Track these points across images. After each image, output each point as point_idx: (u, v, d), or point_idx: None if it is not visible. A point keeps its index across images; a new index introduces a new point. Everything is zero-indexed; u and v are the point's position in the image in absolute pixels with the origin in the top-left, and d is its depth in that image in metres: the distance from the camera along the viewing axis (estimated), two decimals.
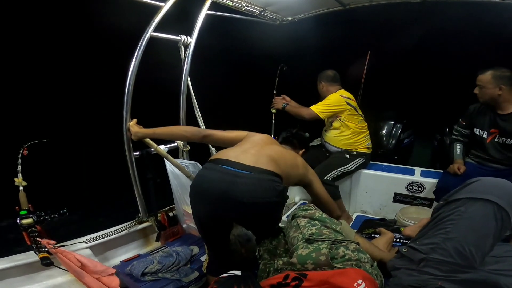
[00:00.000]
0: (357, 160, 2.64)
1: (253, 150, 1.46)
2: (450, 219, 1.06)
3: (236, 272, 0.86)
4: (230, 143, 1.63)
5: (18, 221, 1.35)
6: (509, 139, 2.00)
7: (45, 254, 1.32)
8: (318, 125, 2.86)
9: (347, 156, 2.64)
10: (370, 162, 2.91)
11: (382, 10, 2.58)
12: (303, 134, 1.94)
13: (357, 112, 2.62)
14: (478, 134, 2.15)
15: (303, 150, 1.87)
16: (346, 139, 2.65)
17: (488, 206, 1.01)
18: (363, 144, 2.69)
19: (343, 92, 2.61)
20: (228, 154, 1.44)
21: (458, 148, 2.29)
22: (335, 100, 2.53)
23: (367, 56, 3.07)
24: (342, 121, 2.61)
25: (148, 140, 1.77)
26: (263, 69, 2.88)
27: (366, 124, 2.73)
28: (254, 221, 1.39)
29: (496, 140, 2.06)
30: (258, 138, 1.59)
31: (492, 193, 1.02)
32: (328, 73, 2.66)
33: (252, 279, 0.84)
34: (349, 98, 2.58)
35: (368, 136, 2.76)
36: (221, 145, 1.80)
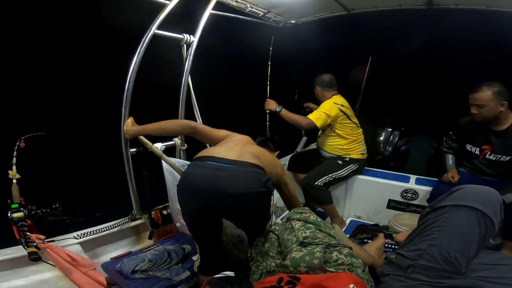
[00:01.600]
0: (349, 166, 2.63)
1: (236, 147, 1.53)
2: (436, 225, 1.08)
3: (230, 273, 0.86)
4: (215, 141, 1.70)
5: (8, 214, 1.33)
6: (504, 156, 1.93)
7: (34, 249, 1.30)
8: (315, 130, 2.85)
9: (340, 162, 2.63)
10: (366, 168, 2.92)
11: (386, 16, 2.57)
12: (277, 137, 2.04)
13: (350, 120, 2.61)
14: (470, 150, 2.11)
15: (278, 152, 1.94)
16: (338, 146, 2.65)
17: (471, 213, 1.03)
18: (356, 151, 2.69)
19: (337, 98, 2.58)
20: (213, 151, 1.50)
21: (450, 158, 2.28)
22: (329, 108, 2.49)
23: (368, 61, 3.08)
24: (334, 129, 2.61)
25: (143, 138, 1.77)
26: (263, 71, 2.88)
27: (361, 130, 2.73)
28: (242, 215, 1.39)
29: (488, 156, 2.00)
30: (239, 137, 1.67)
31: (476, 200, 1.04)
32: (323, 77, 2.65)
33: (246, 280, 0.83)
34: (343, 105, 2.56)
35: (363, 142, 2.75)
36: (207, 142, 1.86)
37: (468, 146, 2.13)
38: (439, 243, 1.04)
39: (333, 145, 2.67)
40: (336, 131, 2.60)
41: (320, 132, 2.77)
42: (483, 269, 1.08)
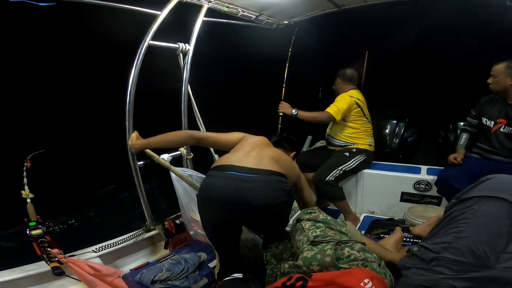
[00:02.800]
0: (357, 157, 2.63)
1: (253, 152, 1.48)
2: (463, 217, 1.04)
3: (238, 275, 0.87)
4: (227, 145, 1.66)
5: (27, 232, 1.38)
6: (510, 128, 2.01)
7: (56, 264, 1.35)
8: (322, 126, 2.87)
9: (347, 154, 2.64)
10: (375, 162, 2.89)
11: (377, 9, 2.59)
12: (293, 137, 2.00)
13: (363, 114, 2.65)
14: (485, 123, 2.16)
15: (294, 152, 1.92)
16: (346, 133, 2.68)
17: (501, 205, 0.99)
18: (364, 141, 2.70)
19: (353, 92, 2.63)
20: (231, 159, 1.46)
21: (463, 138, 2.31)
22: (344, 101, 2.55)
23: (365, 56, 3.06)
24: (346, 120, 2.64)
25: (149, 151, 1.78)
26: (263, 73, 2.90)
27: (371, 126, 2.76)
28: (265, 223, 1.40)
29: (501, 130, 2.06)
30: (255, 140, 1.61)
31: (506, 191, 1.00)
32: (346, 71, 2.70)
33: (254, 281, 0.84)
34: (358, 99, 2.61)
35: (371, 135, 2.76)
36: (217, 148, 1.84)
37: (484, 120, 2.17)
38: (466, 236, 1.01)
39: (342, 133, 2.69)
40: (348, 122, 2.64)
41: (331, 122, 2.78)
42: (508, 259, 1.03)
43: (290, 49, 2.96)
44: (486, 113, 2.17)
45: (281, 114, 2.71)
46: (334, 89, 2.76)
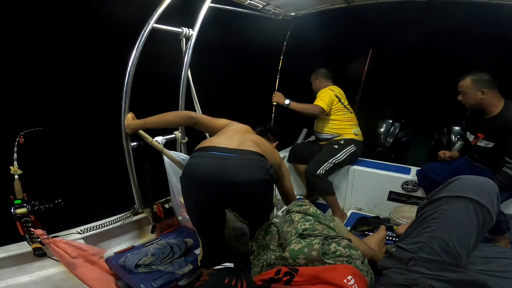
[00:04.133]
0: (346, 149, 2.69)
1: (236, 136, 1.55)
2: (434, 217, 1.08)
3: (229, 265, 0.87)
4: (216, 130, 1.71)
5: (12, 210, 1.34)
6: (489, 143, 1.99)
7: (38, 245, 1.31)
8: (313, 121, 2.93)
9: (336, 146, 2.70)
10: (366, 159, 2.93)
11: (387, 8, 2.58)
12: (276, 128, 2.12)
13: (343, 105, 2.75)
14: (467, 137, 2.22)
15: (277, 142, 1.96)
16: (331, 126, 2.77)
17: (469, 204, 1.03)
18: (349, 131, 2.77)
19: (332, 87, 2.76)
20: (214, 141, 1.52)
21: (457, 144, 2.39)
22: (327, 94, 2.68)
23: (368, 54, 3.05)
24: (328, 115, 2.73)
25: (143, 133, 1.76)
26: (263, 64, 2.87)
27: (354, 115, 2.85)
28: (247, 203, 1.41)
29: (478, 144, 2.07)
30: (239, 126, 1.69)
31: (472, 191, 1.04)
32: (322, 70, 2.87)
33: (245, 272, 0.84)
34: (338, 93, 2.74)
35: (356, 124, 2.84)
36: (207, 132, 1.88)
37: (467, 134, 2.22)
38: (438, 235, 1.04)
39: (327, 126, 2.79)
40: (331, 115, 2.74)
41: (315, 118, 2.88)
42: (484, 263, 1.09)
43: (285, 43, 2.98)
44: (470, 128, 2.21)
45: (274, 103, 2.78)
46: (313, 89, 2.87)
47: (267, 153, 1.52)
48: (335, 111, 2.73)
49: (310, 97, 2.82)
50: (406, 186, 2.59)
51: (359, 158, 2.90)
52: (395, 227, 1.94)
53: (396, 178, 2.63)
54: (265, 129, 1.99)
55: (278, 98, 2.73)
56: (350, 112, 2.81)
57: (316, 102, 2.66)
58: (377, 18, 2.93)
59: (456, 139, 2.52)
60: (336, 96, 2.70)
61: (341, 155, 2.65)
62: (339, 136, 2.75)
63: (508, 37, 2.53)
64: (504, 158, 1.87)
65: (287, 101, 2.67)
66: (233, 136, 1.55)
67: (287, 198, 1.87)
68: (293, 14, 2.86)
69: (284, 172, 1.77)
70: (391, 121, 3.45)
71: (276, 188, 1.88)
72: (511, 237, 1.86)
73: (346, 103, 2.78)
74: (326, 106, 2.63)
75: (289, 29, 2.96)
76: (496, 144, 1.95)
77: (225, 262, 0.93)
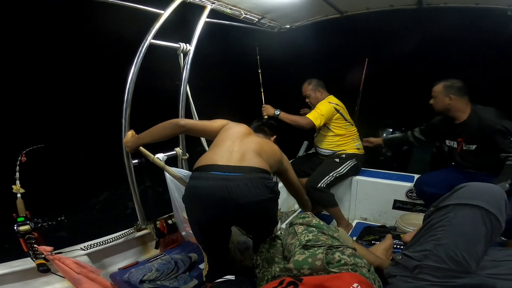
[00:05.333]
0: (347, 162, 2.66)
1: (235, 147, 1.49)
2: (441, 225, 1.06)
3: (230, 277, 0.86)
4: (212, 134, 1.66)
5: (15, 228, 1.36)
6: (470, 146, 2.06)
7: (42, 261, 1.32)
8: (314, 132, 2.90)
9: (337, 160, 2.68)
10: (369, 169, 2.92)
11: (379, 17, 2.62)
12: (272, 122, 2.09)
13: (344, 118, 2.69)
14: (449, 145, 2.23)
15: (275, 136, 1.94)
16: (333, 142, 2.72)
17: (476, 212, 1.01)
18: (351, 145, 2.73)
19: (331, 98, 2.69)
20: (213, 158, 1.45)
21: (395, 134, 2.61)
22: (325, 107, 2.60)
23: (365, 63, 3.09)
24: (329, 128, 2.68)
25: (144, 150, 1.77)
26: (255, 76, 2.90)
27: (355, 128, 2.81)
28: (252, 222, 1.41)
29: (464, 148, 2.12)
30: (236, 131, 1.61)
31: (479, 198, 1.02)
32: (315, 80, 2.76)
33: (246, 283, 0.84)
34: (337, 104, 2.67)
35: (357, 138, 2.80)
36: (203, 136, 1.86)
37: (448, 142, 2.24)
38: (444, 243, 1.02)
39: (328, 142, 2.74)
40: (332, 129, 2.69)
41: (316, 132, 2.84)
42: (493, 266, 1.06)
43: (258, 57, 2.90)
44: (446, 135, 2.23)
45: (265, 116, 2.74)
46: (312, 101, 2.76)
47: (269, 159, 1.50)
48: (336, 125, 2.66)
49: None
50: (410, 194, 2.56)
51: (362, 168, 2.88)
52: (401, 235, 1.91)
53: (400, 186, 2.61)
54: (261, 123, 1.95)
55: (268, 110, 2.69)
56: (352, 124, 2.76)
57: (309, 114, 2.59)
58: (371, 27, 2.99)
59: (390, 132, 2.62)
60: (336, 110, 2.63)
61: (342, 169, 2.62)
62: (341, 151, 2.70)
63: (501, 41, 2.56)
64: (501, 155, 1.89)
65: (277, 112, 2.64)
66: (233, 146, 1.50)
67: (294, 190, 1.84)
68: (288, 26, 2.92)
69: (286, 166, 1.73)
70: (391, 130, 3.45)
71: (281, 201, 1.86)
72: None
73: (346, 114, 2.72)
74: (317, 119, 2.54)
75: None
76: (478, 145, 2.02)
77: (229, 275, 0.93)
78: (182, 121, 1.71)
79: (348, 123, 2.73)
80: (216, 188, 1.32)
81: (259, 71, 2.89)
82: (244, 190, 1.30)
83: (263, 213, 1.41)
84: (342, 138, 2.70)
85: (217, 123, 1.69)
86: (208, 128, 1.69)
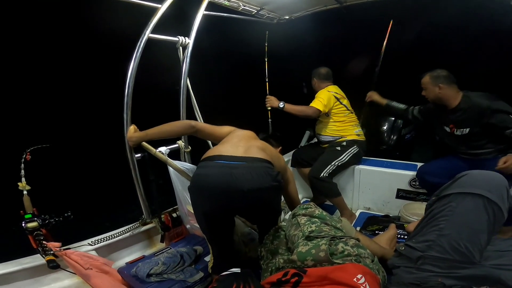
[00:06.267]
0: (349, 150, 2.67)
1: (241, 143, 1.55)
2: (443, 215, 1.06)
3: (236, 270, 0.88)
4: (219, 138, 1.72)
5: (23, 225, 1.37)
6: (463, 129, 2.10)
7: (52, 257, 1.34)
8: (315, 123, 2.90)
9: (338, 148, 2.68)
10: (372, 158, 2.91)
11: (379, 6, 2.58)
12: (278, 134, 2.16)
13: (344, 105, 2.72)
14: (446, 130, 2.24)
15: (280, 147, 1.98)
16: (333, 128, 2.74)
17: (478, 201, 1.01)
18: (351, 131, 2.74)
19: (331, 88, 2.73)
20: (219, 150, 1.52)
21: (400, 105, 2.61)
22: (324, 95, 2.64)
23: (389, 26, 2.87)
24: (329, 115, 2.71)
25: (146, 145, 1.78)
26: (260, 68, 2.88)
27: (354, 115, 2.82)
28: (256, 210, 1.43)
29: (456, 133, 2.15)
30: (243, 133, 1.69)
31: (481, 187, 1.02)
32: (320, 70, 2.80)
33: (252, 276, 0.85)
34: (336, 93, 2.70)
35: (357, 124, 2.81)
36: (210, 140, 1.89)
37: (444, 128, 2.25)
38: (447, 233, 1.02)
39: (329, 128, 2.76)
40: (331, 116, 2.71)
41: (317, 120, 2.86)
42: (498, 257, 1.06)
43: (266, 44, 2.92)
44: (442, 121, 2.25)
45: (269, 108, 2.76)
46: (313, 89, 2.84)
47: (273, 158, 1.53)
48: (335, 112, 2.70)
49: (310, 98, 2.81)
50: (414, 183, 2.56)
51: (364, 157, 2.88)
52: (405, 225, 1.91)
53: (403, 175, 2.60)
54: (267, 136, 2.00)
55: (272, 102, 2.70)
56: (351, 112, 2.79)
57: (312, 103, 2.64)
58: (371, 17, 2.93)
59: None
60: (335, 97, 2.68)
61: (344, 157, 2.63)
62: (341, 137, 2.72)
63: (503, 29, 2.51)
64: (506, 132, 1.90)
65: (281, 104, 2.64)
66: (238, 143, 1.55)
67: (291, 202, 1.87)
68: (287, 17, 2.88)
69: (289, 177, 1.77)
70: (393, 118, 3.42)
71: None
72: None
73: (346, 102, 2.75)
74: (323, 107, 2.60)
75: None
76: (471, 128, 2.05)
77: (234, 268, 0.94)
78: (193, 122, 1.77)
79: (348, 111, 2.75)
80: (220, 175, 1.35)
81: (266, 59, 2.90)
82: (248, 178, 1.33)
83: (267, 201, 1.43)
84: (342, 124, 2.73)
85: (225, 129, 1.76)
86: (216, 132, 1.75)
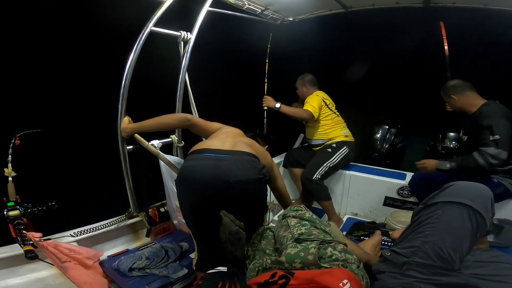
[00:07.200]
0: (339, 151, 2.71)
1: (228, 138, 1.58)
2: (429, 222, 1.09)
3: (222, 268, 0.87)
4: (209, 134, 1.74)
5: (4, 212, 1.33)
6: (465, 137, 2.15)
7: (30, 247, 1.30)
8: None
9: (329, 150, 2.73)
10: (363, 165, 2.94)
11: (384, 13, 2.61)
12: (264, 133, 2.20)
13: (331, 110, 2.79)
14: (459, 135, 2.31)
15: (267, 146, 1.99)
16: (321, 131, 2.80)
17: (463, 210, 1.04)
18: (338, 133, 2.79)
19: (319, 92, 2.79)
20: (207, 143, 1.55)
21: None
22: (315, 100, 2.70)
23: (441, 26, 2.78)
24: (317, 120, 2.75)
25: (139, 137, 1.76)
26: (260, 69, 2.88)
27: (341, 118, 2.88)
28: (241, 203, 1.43)
29: (463, 139, 2.20)
30: (231, 130, 1.72)
31: (466, 197, 1.05)
32: (309, 77, 2.88)
33: (238, 275, 0.84)
34: (324, 98, 2.77)
35: (345, 127, 2.86)
36: (201, 135, 1.89)
37: (460, 131, 2.31)
38: (432, 240, 1.05)
39: (318, 132, 2.81)
40: (320, 120, 2.76)
41: (306, 126, 2.92)
42: (478, 267, 1.10)
43: (269, 46, 2.98)
44: (461, 125, 2.29)
45: (265, 108, 2.80)
46: (299, 95, 2.90)
47: (259, 154, 1.56)
48: (323, 116, 2.76)
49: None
50: (401, 192, 2.60)
51: (356, 164, 2.92)
52: (390, 232, 1.94)
53: (392, 183, 2.64)
54: (254, 134, 2.02)
55: (268, 102, 2.75)
56: (337, 115, 2.85)
57: (305, 107, 2.69)
58: (375, 24, 2.96)
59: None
60: (324, 101, 2.74)
61: (335, 158, 2.67)
62: (331, 140, 2.78)
63: (504, 42, 2.57)
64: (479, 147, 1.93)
65: (277, 105, 2.69)
66: (226, 138, 1.58)
67: (282, 198, 1.88)
68: (291, 19, 2.90)
69: (276, 173, 1.78)
70: (387, 127, 3.47)
71: (271, 192, 1.89)
72: (503, 241, 1.87)
73: (332, 107, 2.83)
74: (316, 112, 2.66)
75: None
76: (469, 136, 2.11)
77: (220, 266, 0.93)
78: (190, 116, 1.78)
79: (335, 115, 2.82)
80: (206, 166, 1.37)
81: (267, 60, 2.94)
82: (234, 169, 1.35)
83: (252, 194, 1.43)
84: (330, 127, 2.79)
85: (215, 125, 1.79)
86: (208, 127, 1.77)
